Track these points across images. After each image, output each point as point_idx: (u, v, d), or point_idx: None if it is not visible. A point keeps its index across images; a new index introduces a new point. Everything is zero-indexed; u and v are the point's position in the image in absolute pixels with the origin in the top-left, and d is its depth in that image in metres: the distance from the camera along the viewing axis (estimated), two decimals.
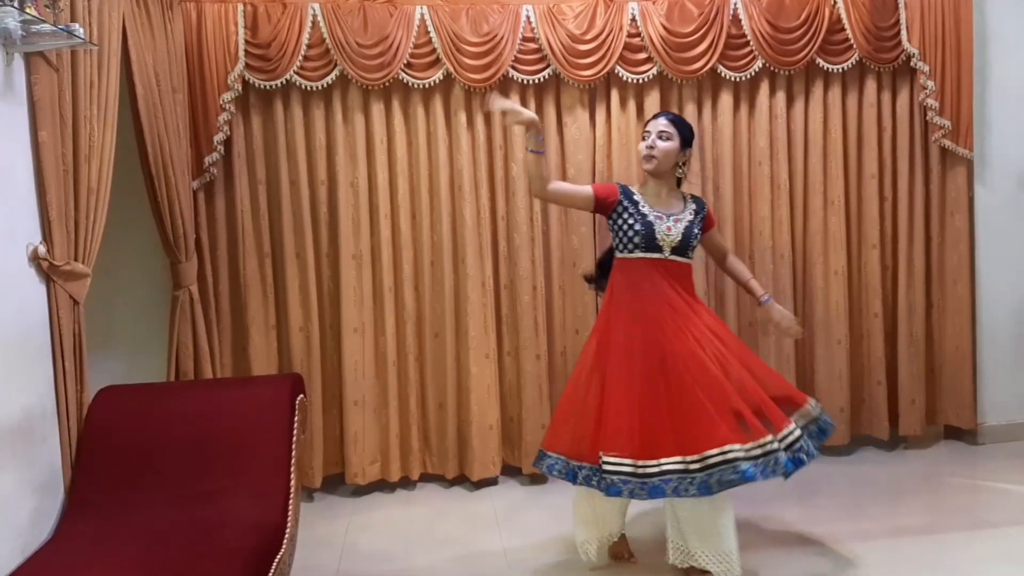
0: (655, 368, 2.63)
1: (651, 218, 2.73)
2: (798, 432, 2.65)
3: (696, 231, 2.80)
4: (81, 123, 2.50)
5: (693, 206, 2.85)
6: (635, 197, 2.78)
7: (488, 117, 3.78)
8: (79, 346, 2.54)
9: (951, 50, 3.87)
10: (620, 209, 2.76)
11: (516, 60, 3.68)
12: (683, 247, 2.75)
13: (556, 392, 3.76)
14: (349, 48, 3.56)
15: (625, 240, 2.75)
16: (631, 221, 2.73)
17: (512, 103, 2.76)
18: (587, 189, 2.83)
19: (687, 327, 2.68)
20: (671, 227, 2.73)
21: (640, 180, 2.94)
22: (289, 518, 2.49)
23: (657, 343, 2.65)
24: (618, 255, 2.79)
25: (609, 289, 2.81)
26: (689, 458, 2.55)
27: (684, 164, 2.86)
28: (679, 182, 2.89)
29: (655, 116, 2.90)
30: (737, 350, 2.78)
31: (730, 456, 2.53)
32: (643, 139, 2.82)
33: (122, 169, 2.85)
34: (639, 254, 2.72)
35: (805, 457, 2.62)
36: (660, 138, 2.77)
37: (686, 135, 2.83)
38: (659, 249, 2.72)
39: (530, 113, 2.75)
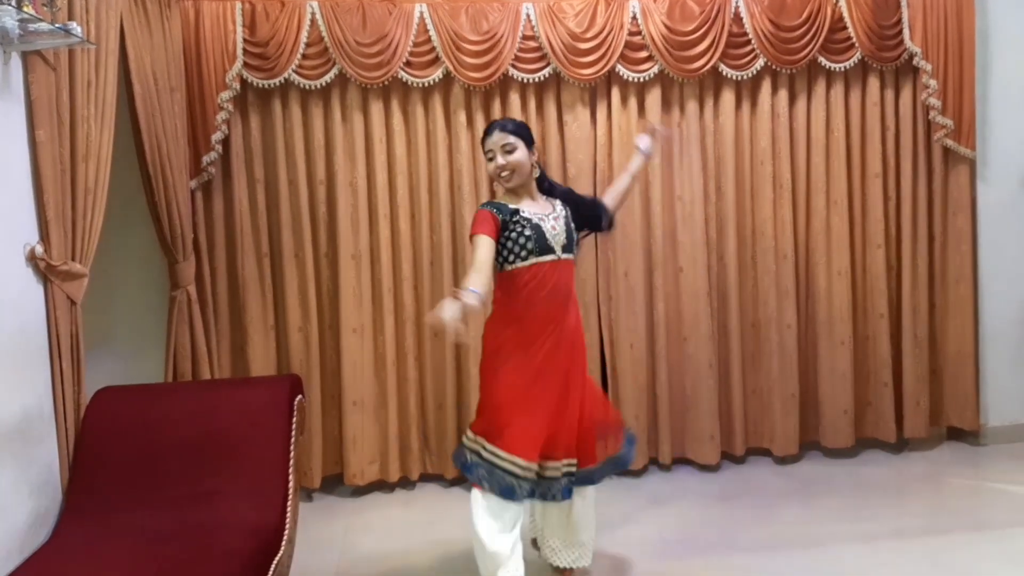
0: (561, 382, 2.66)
1: (535, 221, 2.62)
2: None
3: (573, 224, 2.73)
4: (79, 122, 2.50)
5: (557, 203, 2.76)
6: (511, 207, 2.63)
7: (488, 116, 3.76)
8: (76, 346, 2.53)
9: (953, 49, 3.85)
10: (510, 227, 2.59)
11: (516, 59, 3.67)
12: (569, 244, 2.68)
13: None
14: (348, 46, 3.55)
15: (517, 249, 2.59)
16: (520, 228, 2.59)
17: (450, 315, 2.14)
18: (483, 240, 2.51)
19: (570, 351, 2.70)
20: (554, 226, 2.66)
21: (502, 193, 2.77)
22: (288, 519, 2.49)
23: (560, 361, 2.66)
24: (508, 267, 2.62)
25: (499, 303, 2.71)
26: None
27: (536, 163, 2.73)
28: (539, 183, 2.75)
29: (487, 132, 2.69)
30: (582, 374, 2.79)
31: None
32: (488, 159, 2.68)
33: (120, 169, 2.85)
34: (532, 260, 2.60)
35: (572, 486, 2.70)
36: (505, 152, 2.63)
37: (525, 136, 2.68)
38: (551, 250, 2.62)
39: (457, 312, 2.18)
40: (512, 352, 2.63)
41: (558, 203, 2.76)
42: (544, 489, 2.66)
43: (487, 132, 2.70)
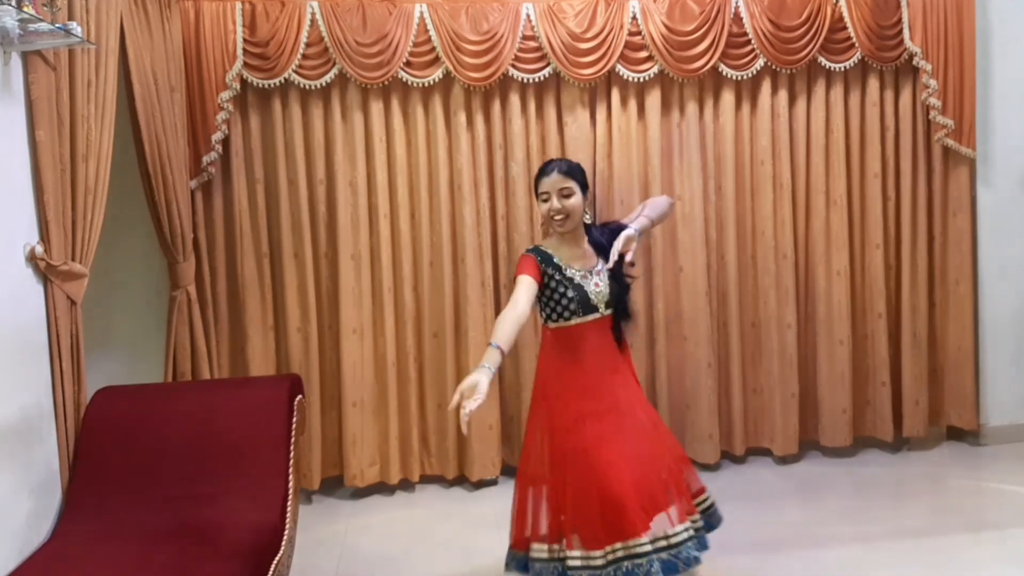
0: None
1: (578, 280, 2.53)
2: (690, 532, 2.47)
3: (616, 274, 2.59)
4: (79, 122, 2.49)
5: (596, 252, 2.61)
6: (556, 261, 2.54)
7: (488, 116, 3.76)
8: (77, 346, 2.53)
9: (953, 49, 3.85)
10: (546, 279, 2.51)
11: (516, 59, 3.67)
12: (612, 301, 2.57)
13: None
14: (348, 46, 3.55)
15: (560, 309, 2.52)
16: (562, 290, 2.51)
17: (473, 403, 2.08)
18: (527, 282, 2.44)
19: (627, 396, 2.58)
20: (599, 283, 2.55)
21: (547, 235, 2.69)
22: (287, 520, 2.48)
23: (615, 407, 2.53)
24: (552, 324, 2.56)
25: (548, 361, 2.61)
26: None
27: (587, 209, 2.62)
28: (587, 227, 2.63)
29: (545, 172, 2.56)
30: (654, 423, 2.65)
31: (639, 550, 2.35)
32: (543, 201, 2.54)
33: (120, 169, 2.85)
34: (576, 320, 2.52)
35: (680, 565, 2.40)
36: (563, 196, 2.51)
37: (582, 180, 2.57)
38: (595, 309, 2.54)
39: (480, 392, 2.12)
40: (580, 404, 2.49)
41: (599, 255, 2.60)
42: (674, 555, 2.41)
43: (544, 172, 2.57)
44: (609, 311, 2.58)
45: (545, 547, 2.48)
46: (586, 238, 2.63)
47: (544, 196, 2.54)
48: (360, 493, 3.81)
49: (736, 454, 3.98)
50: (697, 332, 3.87)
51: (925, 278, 4.02)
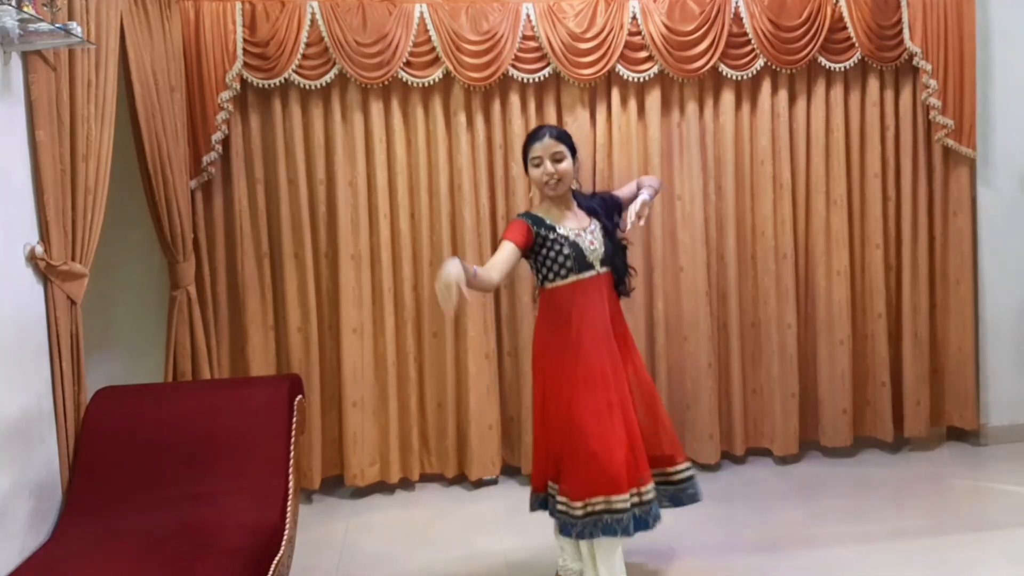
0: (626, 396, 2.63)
1: (573, 238, 2.58)
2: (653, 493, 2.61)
3: (608, 239, 2.67)
4: (79, 122, 2.50)
5: (587, 215, 2.69)
6: (548, 222, 2.60)
7: (488, 116, 3.76)
8: (77, 346, 2.53)
9: (953, 49, 3.85)
10: (540, 240, 2.57)
11: (516, 59, 3.67)
12: (608, 258, 2.65)
13: None
14: (348, 46, 3.55)
15: (556, 267, 2.58)
16: (557, 247, 2.56)
17: (449, 282, 2.14)
18: (509, 246, 2.50)
19: (625, 358, 2.68)
20: (592, 240, 2.62)
21: (539, 201, 2.73)
22: (288, 520, 2.48)
23: (619, 369, 2.63)
24: (548, 285, 2.62)
25: (545, 322, 2.67)
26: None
27: (577, 175, 2.70)
28: (573, 193, 2.70)
29: (536, 137, 2.62)
30: (647, 392, 2.75)
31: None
32: (535, 166, 2.60)
33: (120, 169, 2.85)
34: (572, 277, 2.58)
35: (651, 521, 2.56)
36: (555, 161, 2.58)
37: (571, 145, 2.65)
38: (591, 266, 2.60)
39: (453, 282, 2.16)
40: (575, 370, 2.57)
41: (589, 216, 2.69)
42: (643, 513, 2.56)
43: (535, 137, 2.62)
44: (605, 269, 2.65)
45: (557, 487, 2.64)
46: (575, 202, 2.70)
47: (536, 161, 2.61)
48: (360, 492, 3.81)
49: (736, 454, 3.98)
50: (697, 332, 3.87)
51: (926, 278, 4.01)
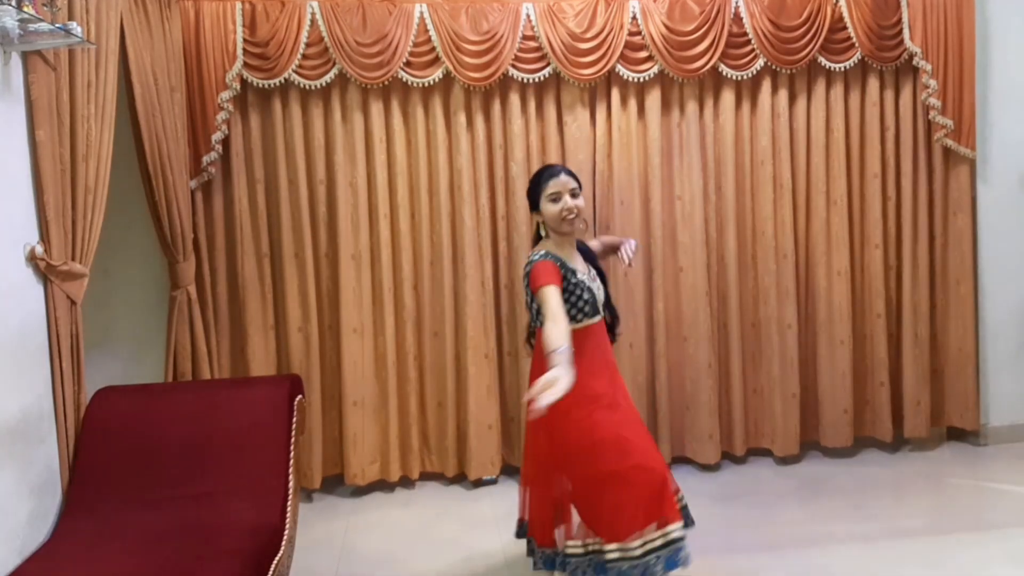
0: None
1: (587, 283, 2.55)
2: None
3: (604, 277, 2.67)
4: (79, 122, 2.50)
5: (583, 259, 2.65)
6: (569, 265, 2.53)
7: (488, 116, 3.76)
8: (77, 346, 2.53)
9: (953, 49, 3.85)
10: (566, 284, 2.49)
11: (516, 59, 3.67)
12: (607, 302, 2.65)
13: None
14: (348, 46, 3.55)
15: (574, 312, 2.50)
16: (579, 292, 2.50)
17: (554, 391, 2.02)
18: (553, 291, 2.37)
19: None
20: (598, 287, 2.61)
21: (554, 241, 2.58)
22: (287, 520, 2.49)
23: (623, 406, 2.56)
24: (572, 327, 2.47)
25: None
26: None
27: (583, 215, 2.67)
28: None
29: (551, 173, 2.56)
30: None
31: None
32: (552, 201, 2.51)
33: (120, 168, 2.85)
34: (586, 322, 2.52)
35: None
36: (573, 196, 2.53)
37: (579, 183, 2.60)
38: (599, 312, 2.59)
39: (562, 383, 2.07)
40: (591, 399, 2.47)
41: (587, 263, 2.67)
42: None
43: (550, 174, 2.56)
44: (604, 314, 2.63)
45: (579, 543, 2.44)
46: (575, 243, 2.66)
47: (554, 196, 2.53)
48: (360, 491, 3.81)
49: (736, 454, 3.98)
50: (697, 332, 3.87)
51: (926, 278, 4.02)
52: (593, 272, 2.64)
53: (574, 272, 2.53)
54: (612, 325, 2.70)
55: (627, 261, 2.81)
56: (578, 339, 2.43)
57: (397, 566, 3.12)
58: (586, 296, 2.53)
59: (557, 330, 2.22)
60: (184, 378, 3.37)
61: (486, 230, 3.79)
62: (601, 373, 2.53)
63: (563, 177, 2.55)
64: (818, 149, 3.92)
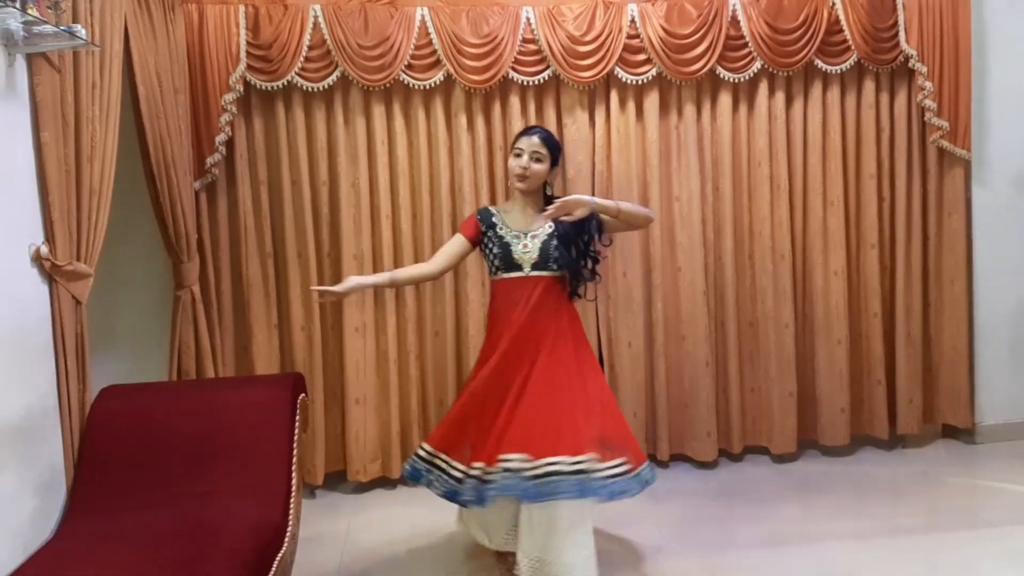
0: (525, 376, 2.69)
1: (508, 239, 2.79)
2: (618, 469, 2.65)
3: (554, 244, 2.77)
4: (83, 124, 2.51)
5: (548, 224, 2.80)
6: (494, 220, 2.85)
7: (489, 118, 3.79)
8: (81, 346, 2.55)
9: (949, 51, 3.88)
10: (485, 239, 2.84)
11: (516, 61, 3.70)
12: (543, 262, 2.77)
13: None
14: (350, 49, 3.58)
15: (489, 264, 2.86)
16: (491, 246, 2.82)
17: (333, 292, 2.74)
18: (459, 239, 2.88)
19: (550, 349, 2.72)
20: (527, 244, 2.78)
21: (508, 195, 2.95)
22: (290, 517, 2.51)
23: (528, 356, 2.70)
24: (492, 278, 2.88)
25: (489, 310, 2.94)
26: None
27: (551, 183, 2.89)
28: (547, 198, 2.84)
29: (528, 132, 2.86)
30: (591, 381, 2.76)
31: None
32: (515, 156, 2.80)
33: (124, 170, 2.86)
34: (502, 275, 2.80)
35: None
36: (532, 159, 2.77)
37: (556, 155, 2.84)
38: (518, 267, 2.77)
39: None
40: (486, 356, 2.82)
41: (549, 224, 2.79)
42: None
43: (527, 132, 2.85)
44: (537, 272, 2.76)
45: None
46: (540, 207, 2.83)
47: (517, 151, 2.80)
48: (363, 488, 3.84)
49: (734, 452, 4.01)
50: (695, 331, 3.90)
51: (920, 278, 4.05)
52: (544, 231, 2.78)
53: (494, 227, 2.82)
54: (573, 284, 2.82)
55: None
56: (495, 289, 2.86)
57: (399, 562, 3.15)
58: (496, 251, 2.79)
59: (415, 266, 3.11)
60: (188, 377, 3.40)
61: None
62: (499, 329, 2.77)
63: (534, 139, 2.78)
64: (815, 150, 3.95)
